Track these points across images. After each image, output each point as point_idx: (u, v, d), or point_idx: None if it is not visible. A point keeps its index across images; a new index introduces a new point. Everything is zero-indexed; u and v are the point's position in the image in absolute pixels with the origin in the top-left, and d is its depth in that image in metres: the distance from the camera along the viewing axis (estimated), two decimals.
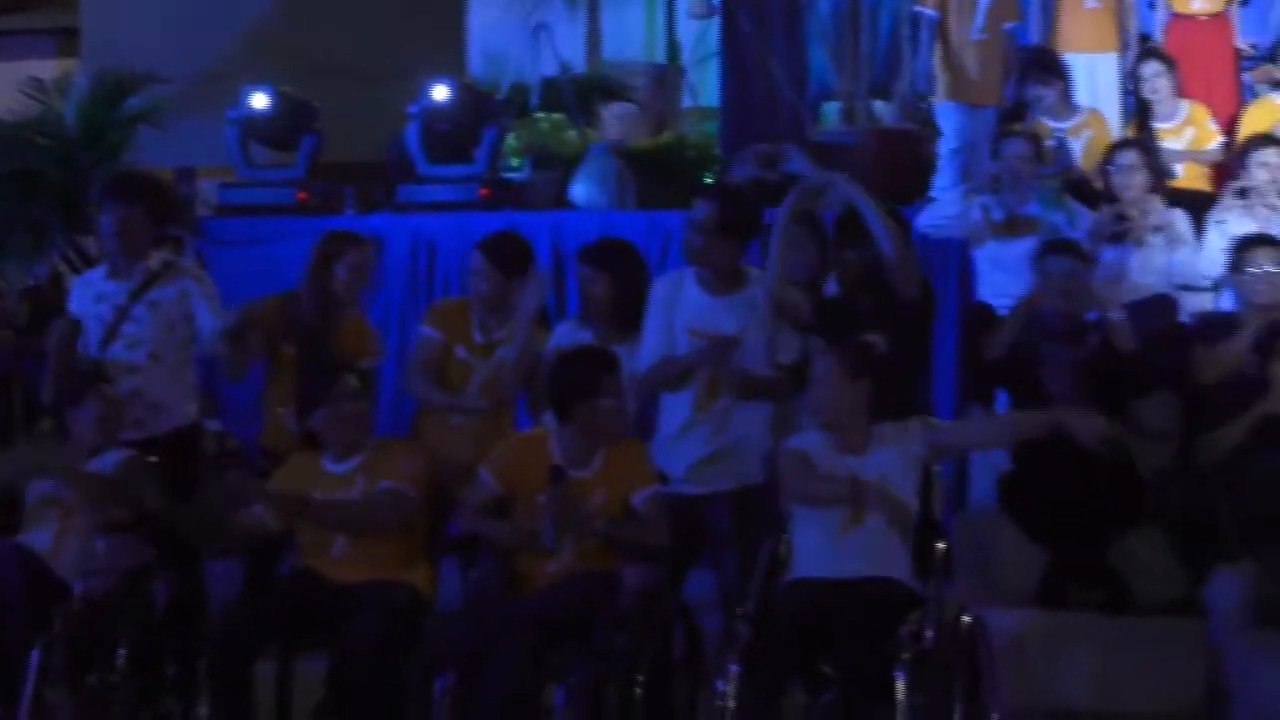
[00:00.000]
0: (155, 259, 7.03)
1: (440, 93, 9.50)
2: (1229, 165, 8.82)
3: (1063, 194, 8.87)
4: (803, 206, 6.85)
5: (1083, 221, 8.69)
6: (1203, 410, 7.22)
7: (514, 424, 7.19)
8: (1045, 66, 9.64)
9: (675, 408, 6.61)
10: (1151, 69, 9.38)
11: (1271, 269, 7.51)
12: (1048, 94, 9.45)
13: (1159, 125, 9.38)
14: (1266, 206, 8.35)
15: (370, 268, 7.42)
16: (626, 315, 6.77)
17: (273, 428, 7.18)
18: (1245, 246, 7.68)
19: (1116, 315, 7.30)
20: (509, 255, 7.14)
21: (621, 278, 6.86)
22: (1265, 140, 8.61)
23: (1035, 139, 8.99)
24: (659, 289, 6.73)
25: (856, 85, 11.21)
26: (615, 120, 11.09)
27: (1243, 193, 8.48)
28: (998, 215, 8.50)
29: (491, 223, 8.73)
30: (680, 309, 6.62)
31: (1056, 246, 7.62)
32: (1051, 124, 9.44)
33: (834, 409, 6.04)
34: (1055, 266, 7.42)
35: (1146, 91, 9.39)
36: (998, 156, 8.83)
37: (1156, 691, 6.76)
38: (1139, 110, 9.51)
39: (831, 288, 6.99)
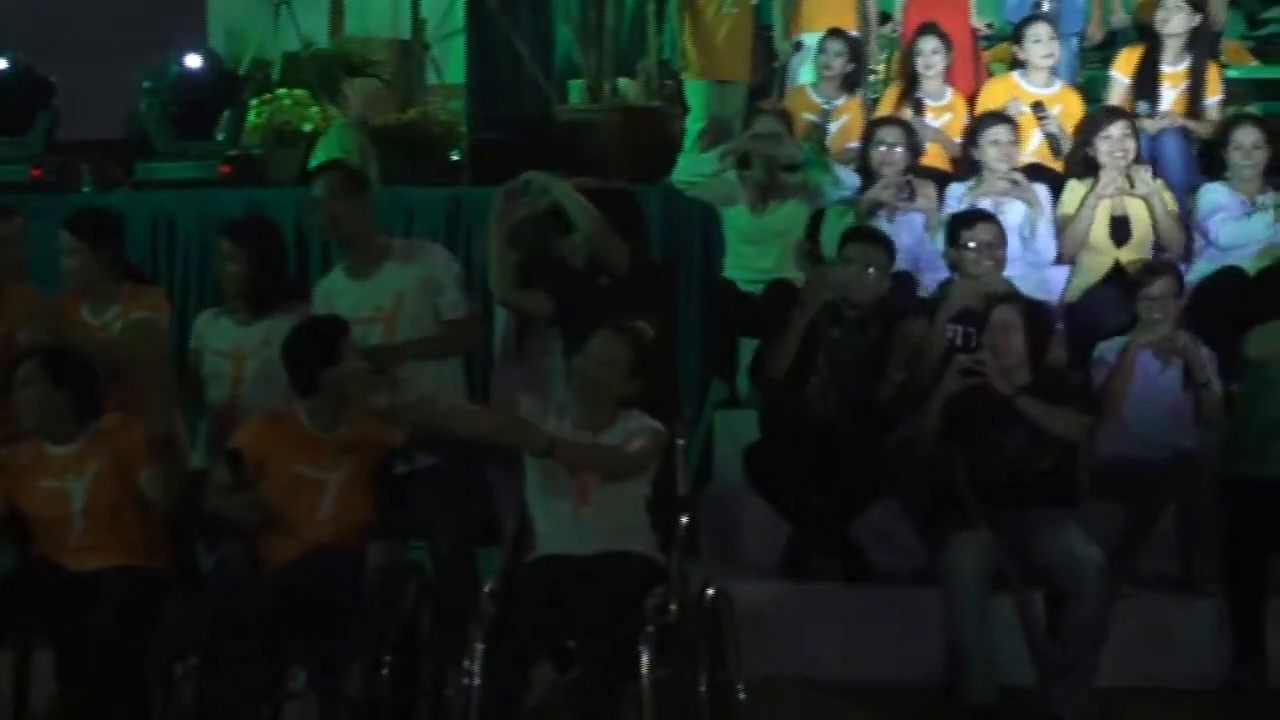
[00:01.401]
0: None
1: (183, 61, 9.36)
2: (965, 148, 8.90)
3: (824, 155, 8.95)
4: (514, 214, 6.83)
5: (847, 182, 8.77)
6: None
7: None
8: (834, 34, 9.73)
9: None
10: (930, 45, 9.43)
11: (988, 240, 7.53)
12: (839, 62, 9.56)
13: (922, 98, 9.47)
14: (996, 187, 8.44)
15: (20, 239, 7.20)
16: (263, 296, 6.70)
17: None
18: (962, 221, 7.69)
19: None
20: (96, 229, 6.94)
21: (261, 256, 6.77)
22: (995, 118, 8.71)
23: (785, 116, 9.05)
24: (318, 293, 6.74)
25: (602, 63, 11.23)
26: (359, 96, 11.01)
27: (975, 168, 8.57)
28: (755, 177, 8.52)
29: (232, 200, 8.61)
30: (336, 301, 6.62)
31: (867, 235, 7.57)
32: (819, 101, 9.52)
33: (596, 389, 6.02)
34: (858, 255, 7.35)
35: (920, 66, 9.44)
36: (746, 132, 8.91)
37: (898, 659, 6.89)
38: (907, 82, 9.57)
39: None
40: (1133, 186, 8.25)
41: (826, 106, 9.53)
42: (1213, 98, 9.14)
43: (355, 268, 6.70)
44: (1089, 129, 8.54)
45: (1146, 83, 9.10)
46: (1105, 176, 8.25)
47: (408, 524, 6.37)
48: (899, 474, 6.91)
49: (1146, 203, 8.24)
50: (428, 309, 6.64)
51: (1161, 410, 7.25)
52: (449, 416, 6.15)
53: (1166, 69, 9.12)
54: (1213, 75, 9.17)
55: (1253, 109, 10.38)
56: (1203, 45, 9.12)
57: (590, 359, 6.01)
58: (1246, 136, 8.31)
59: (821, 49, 9.67)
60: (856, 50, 9.78)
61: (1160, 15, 9.15)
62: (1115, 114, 8.56)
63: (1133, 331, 7.35)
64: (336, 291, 6.69)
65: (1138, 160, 8.37)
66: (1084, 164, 8.44)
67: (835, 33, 9.76)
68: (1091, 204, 8.22)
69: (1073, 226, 8.27)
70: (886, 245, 7.44)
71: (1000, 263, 7.57)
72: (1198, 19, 9.07)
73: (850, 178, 8.86)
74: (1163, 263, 7.86)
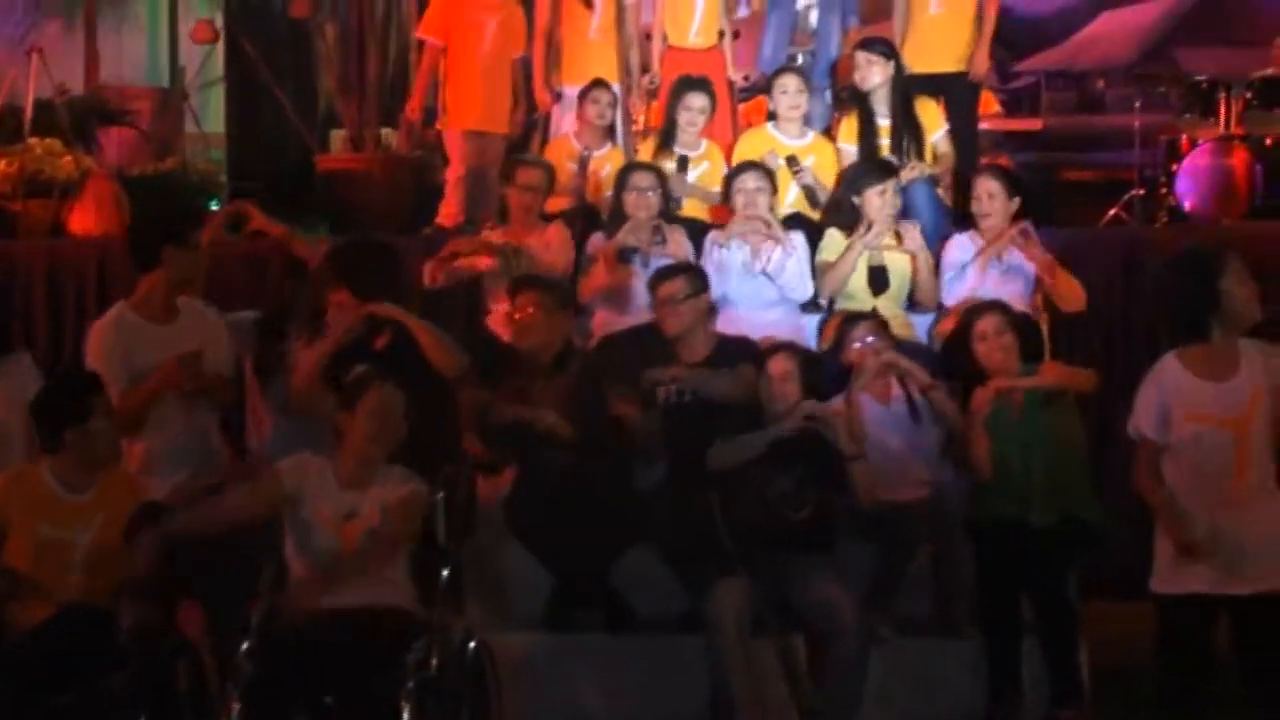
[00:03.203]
0: None
1: None
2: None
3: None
4: None
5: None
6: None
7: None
8: (602, 84, 9.74)
9: (158, 440, 6.46)
10: (699, 102, 9.25)
11: (676, 293, 7.59)
12: (610, 112, 9.58)
13: (680, 151, 9.48)
14: (751, 229, 8.50)
15: None
16: None
17: None
18: (655, 278, 7.76)
19: None
20: None
21: None
22: (744, 167, 8.76)
23: (547, 168, 9.02)
24: (107, 335, 6.54)
25: (364, 112, 11.18)
26: (115, 145, 10.84)
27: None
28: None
29: None
30: (139, 343, 6.50)
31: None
32: (579, 148, 9.50)
33: (371, 443, 6.04)
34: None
35: (684, 121, 9.37)
36: (508, 185, 8.87)
37: (664, 706, 6.90)
38: (664, 133, 9.53)
39: None
40: (900, 242, 8.37)
41: (585, 154, 9.50)
42: (935, 133, 9.26)
43: (155, 312, 6.55)
44: (857, 181, 8.59)
45: (868, 143, 9.19)
46: (876, 228, 8.34)
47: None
48: (655, 519, 6.96)
49: (913, 259, 8.36)
50: (214, 362, 6.57)
51: (896, 449, 7.37)
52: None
53: (882, 123, 9.23)
54: (929, 112, 9.28)
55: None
56: (898, 89, 9.22)
57: (368, 413, 6.03)
58: (982, 186, 8.50)
59: (593, 99, 9.63)
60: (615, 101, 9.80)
61: (858, 75, 9.25)
62: (886, 170, 8.64)
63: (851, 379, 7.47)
64: (137, 333, 6.51)
65: (903, 215, 8.50)
66: (850, 214, 8.51)
67: (600, 83, 9.76)
68: (858, 250, 8.30)
69: (834, 271, 8.36)
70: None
71: (688, 316, 7.56)
72: (892, 66, 9.20)
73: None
74: (862, 313, 7.96)
